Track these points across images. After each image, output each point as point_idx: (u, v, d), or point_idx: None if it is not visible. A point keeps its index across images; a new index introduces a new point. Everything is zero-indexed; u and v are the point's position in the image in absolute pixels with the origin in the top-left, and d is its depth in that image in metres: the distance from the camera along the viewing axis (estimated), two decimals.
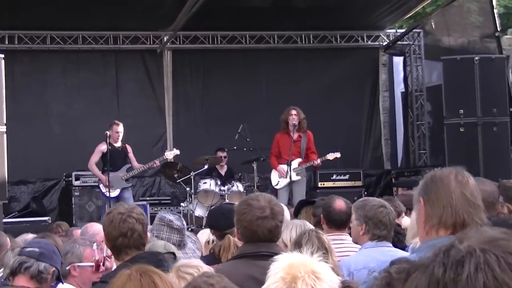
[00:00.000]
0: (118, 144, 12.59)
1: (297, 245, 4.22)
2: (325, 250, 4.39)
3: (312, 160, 12.70)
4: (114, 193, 12.36)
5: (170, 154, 12.76)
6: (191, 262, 3.57)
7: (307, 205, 6.88)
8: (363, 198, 5.55)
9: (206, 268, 3.53)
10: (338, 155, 12.77)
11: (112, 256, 4.41)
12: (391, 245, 4.97)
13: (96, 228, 5.76)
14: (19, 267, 4.33)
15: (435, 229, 2.95)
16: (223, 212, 5.81)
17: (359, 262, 4.90)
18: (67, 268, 4.74)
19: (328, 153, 12.76)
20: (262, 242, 3.85)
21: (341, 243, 5.52)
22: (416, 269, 1.50)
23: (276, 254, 3.04)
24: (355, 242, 5.26)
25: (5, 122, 10.38)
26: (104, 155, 12.38)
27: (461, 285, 1.38)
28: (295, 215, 6.88)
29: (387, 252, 4.74)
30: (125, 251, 4.14)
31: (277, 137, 12.87)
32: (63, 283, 4.62)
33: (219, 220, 5.67)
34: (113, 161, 12.42)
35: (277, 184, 12.70)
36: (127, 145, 12.72)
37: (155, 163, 12.62)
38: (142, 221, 4.21)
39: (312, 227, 5.13)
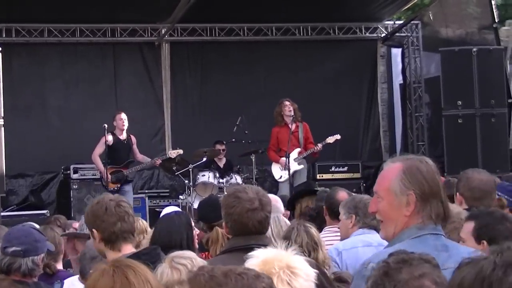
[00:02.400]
0: (124, 136, 12.56)
1: (286, 239, 4.22)
2: (314, 244, 4.42)
3: (311, 148, 12.69)
4: (115, 187, 12.33)
5: (173, 153, 12.69)
6: (185, 253, 3.55)
7: (307, 195, 6.87)
8: (351, 196, 5.61)
9: (200, 260, 3.51)
10: (338, 136, 12.74)
11: None
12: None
13: None
14: (8, 268, 4.34)
15: (426, 220, 3.01)
16: (210, 204, 5.86)
17: (347, 243, 5.05)
18: (91, 272, 4.73)
19: (328, 137, 12.74)
20: (252, 235, 3.84)
21: None
22: (469, 262, 1.63)
23: (266, 246, 3.02)
24: (345, 238, 5.27)
25: (2, 115, 10.40)
26: (106, 148, 12.34)
27: (505, 286, 1.45)
28: (290, 204, 6.87)
29: (374, 237, 4.80)
30: (123, 237, 4.12)
31: (275, 130, 12.83)
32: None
33: (207, 213, 5.71)
34: (117, 154, 12.39)
35: (280, 178, 12.69)
36: (131, 136, 12.70)
37: (157, 162, 12.63)
38: (131, 206, 4.30)
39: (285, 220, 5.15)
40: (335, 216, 5.65)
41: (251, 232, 3.84)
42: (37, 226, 5.26)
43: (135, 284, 2.60)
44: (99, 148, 12.44)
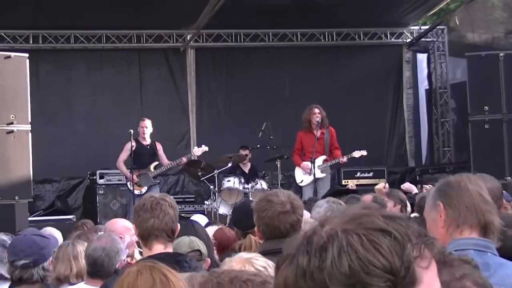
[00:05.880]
0: (147, 142, 12.58)
1: None
2: None
3: (337, 157, 12.67)
4: (142, 190, 12.35)
5: (199, 150, 12.57)
6: (258, 258, 3.37)
7: (336, 195, 6.88)
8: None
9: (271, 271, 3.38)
10: (364, 153, 12.74)
11: None
12: None
13: (120, 225, 5.78)
14: (20, 279, 4.39)
15: (459, 230, 3.02)
16: (246, 212, 5.84)
17: None
18: (118, 267, 4.77)
19: (354, 151, 12.73)
20: (284, 238, 3.81)
21: None
22: (284, 259, 1.42)
23: None
24: None
25: (30, 121, 10.44)
26: (130, 153, 12.36)
27: (326, 272, 1.33)
28: None
29: None
30: (155, 234, 4.11)
31: (300, 135, 12.84)
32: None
33: (242, 220, 5.68)
34: (141, 159, 12.40)
35: (301, 182, 12.70)
36: (156, 143, 12.70)
37: (183, 160, 12.59)
38: (174, 206, 4.22)
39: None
40: None
41: (283, 235, 3.83)
42: (37, 230, 5.27)
43: (173, 282, 2.64)
44: (124, 154, 12.48)
